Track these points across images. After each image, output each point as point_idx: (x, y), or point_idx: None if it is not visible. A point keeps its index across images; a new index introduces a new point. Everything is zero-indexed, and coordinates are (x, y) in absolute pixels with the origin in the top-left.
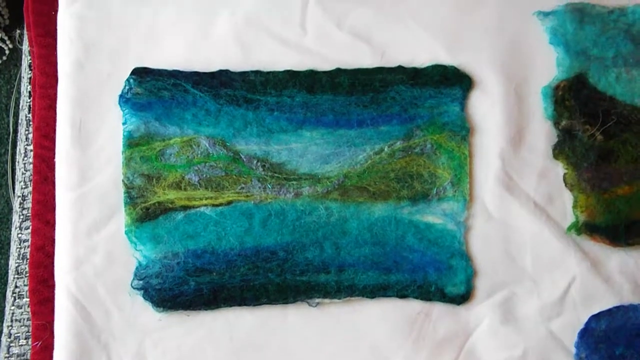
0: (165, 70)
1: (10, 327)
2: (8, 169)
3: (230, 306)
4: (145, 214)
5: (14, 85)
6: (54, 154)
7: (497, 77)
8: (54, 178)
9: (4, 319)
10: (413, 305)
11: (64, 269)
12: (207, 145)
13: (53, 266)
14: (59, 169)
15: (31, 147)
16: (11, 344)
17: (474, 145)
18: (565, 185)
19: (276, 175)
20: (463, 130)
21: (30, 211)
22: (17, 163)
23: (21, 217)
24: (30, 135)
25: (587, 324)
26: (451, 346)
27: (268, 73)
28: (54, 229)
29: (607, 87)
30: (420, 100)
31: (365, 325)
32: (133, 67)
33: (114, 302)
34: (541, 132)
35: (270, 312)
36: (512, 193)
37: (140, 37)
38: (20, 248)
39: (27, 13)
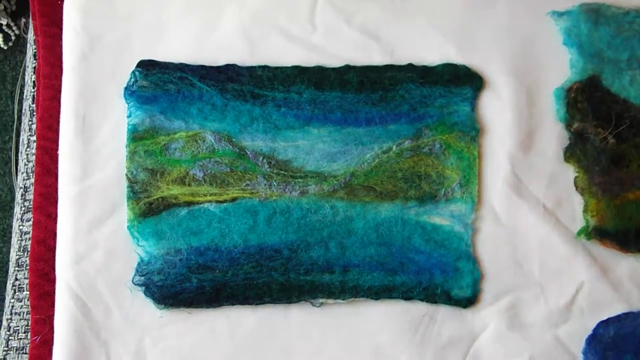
0: (172, 64)
1: (9, 320)
2: (12, 156)
3: (233, 304)
4: (148, 209)
5: (20, 72)
6: (57, 146)
7: (508, 77)
8: (57, 170)
9: (4, 312)
10: (418, 308)
11: (64, 264)
12: (213, 140)
13: (54, 260)
14: (62, 162)
15: (34, 138)
16: (10, 337)
17: (484, 147)
18: (576, 189)
19: (282, 172)
20: (473, 131)
21: (32, 203)
22: (20, 154)
23: (23, 208)
24: (34, 126)
25: (595, 330)
26: (456, 350)
27: (276, 68)
28: (56, 222)
29: (620, 89)
30: (430, 100)
31: (369, 327)
32: (138, 60)
33: (115, 298)
34: (552, 135)
35: (272, 312)
36: (521, 196)
37: (146, 30)
38: (21, 240)
39: (32, 1)
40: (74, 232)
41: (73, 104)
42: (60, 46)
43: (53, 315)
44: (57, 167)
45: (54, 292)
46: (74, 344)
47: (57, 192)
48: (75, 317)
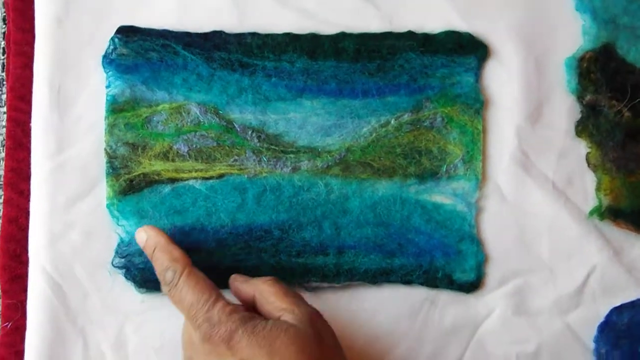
0: (154, 30)
1: None
2: None
3: (220, 288)
4: (128, 186)
5: None
6: (30, 117)
7: (515, 46)
8: (29, 144)
9: None
10: (418, 292)
11: (38, 244)
12: (198, 112)
13: (26, 240)
14: (35, 135)
15: (4, 109)
16: None
17: (489, 120)
18: (588, 165)
19: (272, 147)
20: (477, 103)
21: (2, 179)
22: None
23: None
24: (4, 96)
25: (608, 317)
26: (458, 338)
27: (266, 36)
28: (29, 200)
29: (637, 59)
30: (431, 70)
31: (366, 313)
32: (118, 26)
33: (93, 282)
34: (563, 108)
35: None
36: (529, 173)
37: None
38: None
39: None
40: (49, 210)
41: (47, 73)
42: (33, 10)
43: (26, 300)
44: (29, 141)
45: (27, 275)
46: (49, 330)
47: (29, 167)
48: (50, 302)
